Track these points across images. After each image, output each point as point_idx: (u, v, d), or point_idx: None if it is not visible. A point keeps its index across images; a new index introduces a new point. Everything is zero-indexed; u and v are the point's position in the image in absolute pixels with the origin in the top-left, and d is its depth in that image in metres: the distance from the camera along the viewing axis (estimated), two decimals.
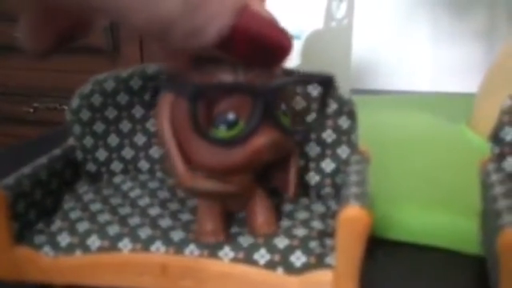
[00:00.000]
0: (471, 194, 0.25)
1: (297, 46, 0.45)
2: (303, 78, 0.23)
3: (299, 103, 0.25)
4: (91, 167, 0.27)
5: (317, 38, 0.46)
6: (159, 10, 0.15)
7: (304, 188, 0.25)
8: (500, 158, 0.22)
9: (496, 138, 0.22)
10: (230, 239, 0.22)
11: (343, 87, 0.53)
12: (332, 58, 0.49)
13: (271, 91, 0.20)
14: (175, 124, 0.20)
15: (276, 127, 0.20)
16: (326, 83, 0.22)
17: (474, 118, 0.40)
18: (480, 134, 0.38)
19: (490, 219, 0.21)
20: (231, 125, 0.20)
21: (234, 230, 0.22)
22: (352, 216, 0.19)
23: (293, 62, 0.45)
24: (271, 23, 0.18)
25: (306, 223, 0.23)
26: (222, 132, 0.20)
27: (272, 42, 0.18)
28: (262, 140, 0.20)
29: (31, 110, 1.00)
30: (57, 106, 0.97)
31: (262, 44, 0.18)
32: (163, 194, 0.25)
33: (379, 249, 0.26)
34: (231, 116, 0.20)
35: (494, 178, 0.21)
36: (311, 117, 0.25)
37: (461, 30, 0.65)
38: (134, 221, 0.23)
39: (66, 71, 0.93)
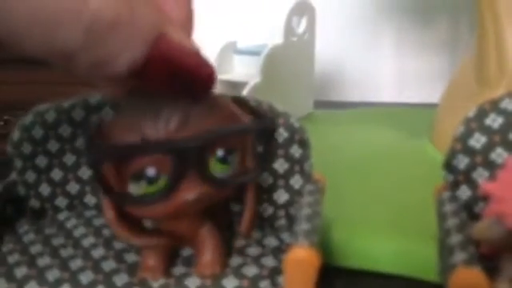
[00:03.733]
0: (432, 217, 0.24)
1: (256, 63, 0.44)
2: (238, 129, 0.21)
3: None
4: (34, 203, 0.26)
5: (277, 54, 0.45)
6: (56, 40, 0.14)
7: (257, 220, 0.24)
8: (454, 186, 0.22)
9: (449, 166, 0.22)
10: (177, 281, 0.20)
11: (307, 100, 0.52)
12: (293, 73, 0.49)
13: (189, 148, 0.18)
14: None
15: (203, 180, 0.19)
16: (266, 132, 0.21)
17: (435, 132, 0.39)
18: (441, 149, 0.37)
19: (444, 251, 0.20)
20: (151, 180, 0.19)
21: (181, 270, 0.21)
22: (299, 257, 0.18)
23: (253, 78, 0.44)
24: (191, 52, 0.17)
25: (257, 260, 0.22)
26: (142, 187, 0.19)
27: (191, 71, 0.17)
28: (185, 196, 0.19)
29: (2, 123, 0.98)
30: None
31: (179, 73, 0.17)
32: (109, 232, 0.24)
33: (338, 278, 0.26)
34: (151, 171, 0.19)
35: (448, 208, 0.21)
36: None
37: (424, 39, 0.65)
38: (76, 264, 0.22)
39: (37, 83, 0.90)
